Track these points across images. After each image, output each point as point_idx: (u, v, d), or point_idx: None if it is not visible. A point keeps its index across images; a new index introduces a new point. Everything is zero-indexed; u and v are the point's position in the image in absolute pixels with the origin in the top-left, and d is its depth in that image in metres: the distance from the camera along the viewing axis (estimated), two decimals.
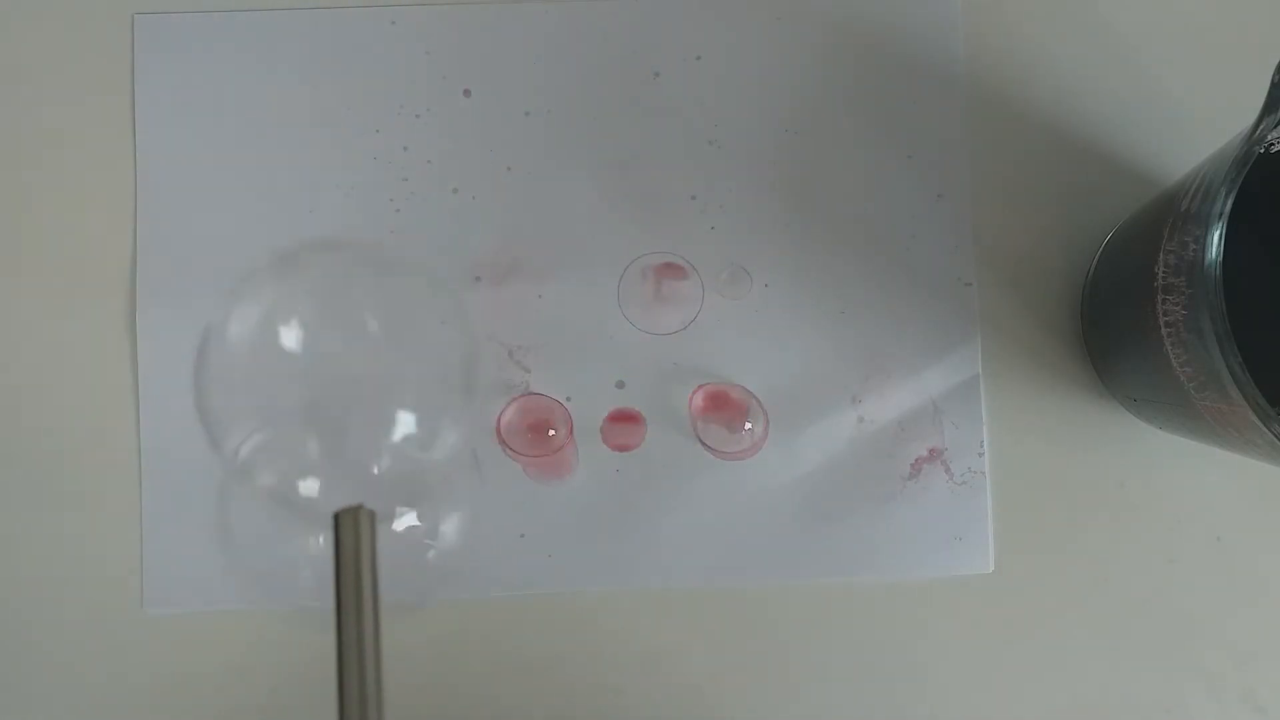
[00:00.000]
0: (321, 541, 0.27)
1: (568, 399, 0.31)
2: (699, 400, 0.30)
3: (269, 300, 0.23)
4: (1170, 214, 0.24)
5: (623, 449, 0.31)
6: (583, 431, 0.31)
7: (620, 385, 0.31)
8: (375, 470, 0.23)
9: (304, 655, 0.31)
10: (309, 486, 0.22)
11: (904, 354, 0.31)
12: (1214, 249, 0.21)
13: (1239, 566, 0.31)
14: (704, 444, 0.30)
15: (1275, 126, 0.21)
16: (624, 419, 0.31)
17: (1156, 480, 0.31)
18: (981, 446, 0.31)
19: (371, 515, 0.20)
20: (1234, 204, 0.21)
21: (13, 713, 0.30)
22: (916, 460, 0.31)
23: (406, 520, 0.30)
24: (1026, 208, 0.31)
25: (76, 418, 0.31)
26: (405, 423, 0.23)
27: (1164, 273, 0.23)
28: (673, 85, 0.31)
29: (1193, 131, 0.31)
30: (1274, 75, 0.20)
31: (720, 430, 0.30)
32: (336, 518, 0.20)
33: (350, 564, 0.19)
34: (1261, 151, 0.24)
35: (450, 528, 0.30)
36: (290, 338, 0.22)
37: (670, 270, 0.31)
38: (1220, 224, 0.21)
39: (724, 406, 0.30)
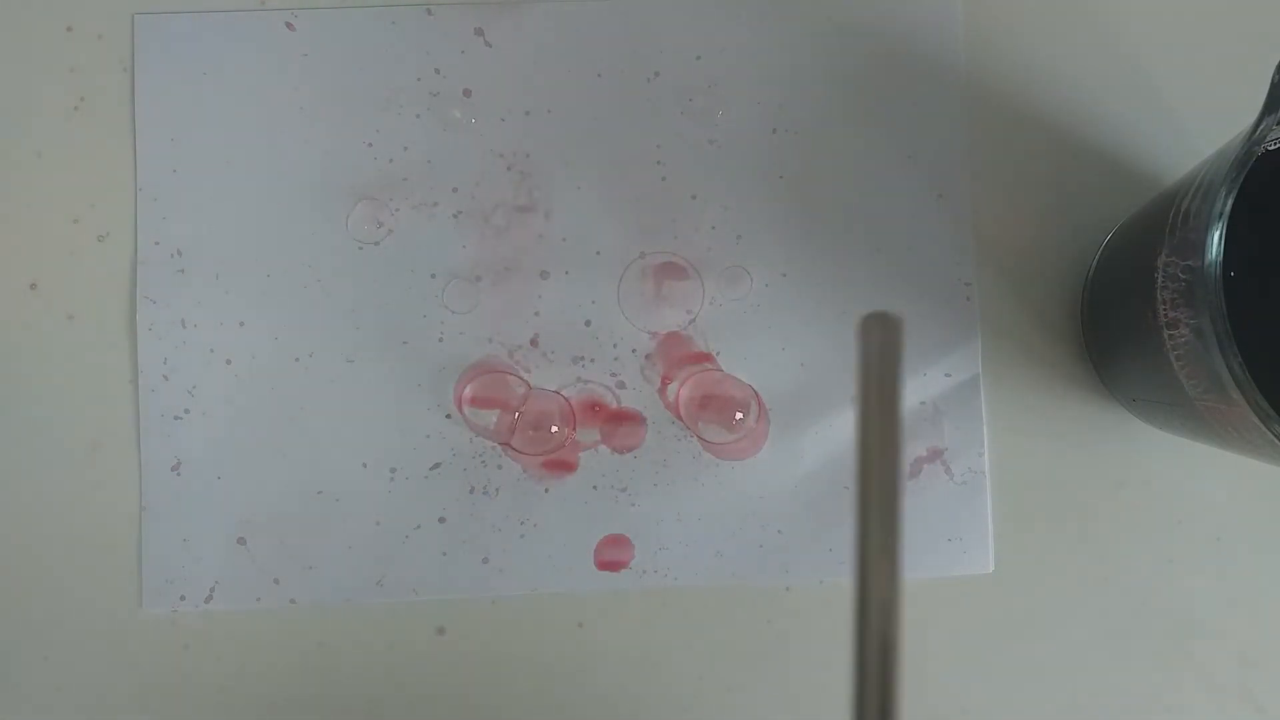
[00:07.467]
0: None
1: (568, 399, 0.30)
2: (687, 391, 0.30)
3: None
4: (1170, 214, 0.24)
5: (623, 449, 0.31)
6: (583, 431, 0.31)
7: (620, 385, 0.31)
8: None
9: (304, 655, 0.31)
10: None
11: (904, 354, 0.31)
12: (1214, 249, 0.21)
13: (1239, 566, 0.31)
14: (703, 441, 0.30)
15: (1275, 126, 0.21)
16: (624, 419, 0.31)
17: (1156, 480, 0.31)
18: (981, 446, 0.31)
19: (899, 322, 0.19)
20: (1234, 204, 0.21)
21: (12, 713, 0.30)
22: (916, 460, 0.31)
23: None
24: (1026, 208, 0.31)
25: (76, 417, 0.31)
26: None
27: (1164, 273, 0.23)
28: (673, 85, 0.31)
29: (1193, 131, 0.31)
30: (1274, 75, 0.20)
31: (717, 427, 0.30)
32: (864, 322, 0.18)
33: (874, 371, 0.18)
34: (1264, 152, 0.24)
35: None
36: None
37: (670, 270, 0.31)
38: (1220, 224, 0.21)
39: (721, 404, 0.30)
